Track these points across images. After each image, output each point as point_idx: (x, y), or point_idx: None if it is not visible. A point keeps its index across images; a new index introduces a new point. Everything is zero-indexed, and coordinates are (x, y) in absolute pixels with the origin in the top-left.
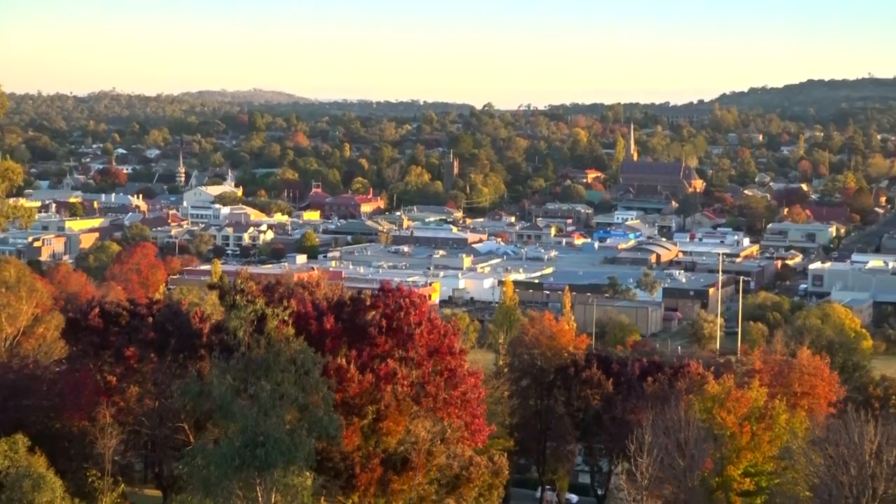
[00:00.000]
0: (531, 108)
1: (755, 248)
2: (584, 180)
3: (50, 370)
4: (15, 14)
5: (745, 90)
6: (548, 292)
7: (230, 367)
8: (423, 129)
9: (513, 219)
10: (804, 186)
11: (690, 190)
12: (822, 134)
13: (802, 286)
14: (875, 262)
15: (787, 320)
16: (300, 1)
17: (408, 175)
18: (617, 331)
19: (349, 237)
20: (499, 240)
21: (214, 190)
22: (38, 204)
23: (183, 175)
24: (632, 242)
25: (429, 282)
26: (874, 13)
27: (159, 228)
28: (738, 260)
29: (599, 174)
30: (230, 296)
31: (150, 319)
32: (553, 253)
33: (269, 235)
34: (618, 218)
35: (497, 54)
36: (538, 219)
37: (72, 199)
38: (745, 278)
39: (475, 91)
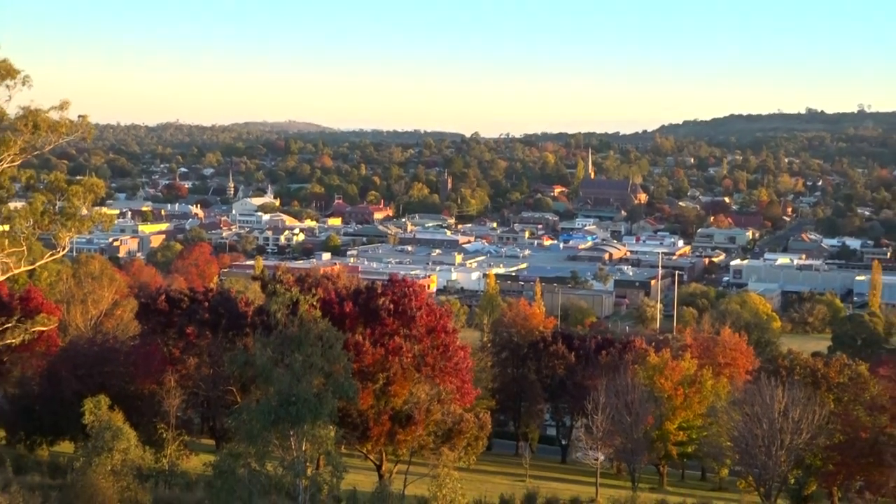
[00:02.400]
0: (510, 136)
1: (688, 248)
2: (552, 194)
3: (126, 344)
4: (98, 60)
5: (680, 122)
6: (522, 283)
7: (270, 342)
8: (424, 153)
9: (494, 224)
10: (727, 199)
11: (636, 202)
12: (741, 158)
13: (725, 278)
14: (783, 259)
15: (713, 305)
16: (326, 52)
17: (411, 189)
18: (577, 314)
19: (364, 239)
20: (483, 241)
21: (257, 201)
22: (117, 212)
23: (232, 189)
24: (589, 243)
25: (427, 274)
26: (782, 62)
27: (213, 231)
28: (674, 257)
29: (564, 189)
30: (270, 285)
31: (206, 304)
32: (526, 252)
33: (301, 237)
34: (578, 224)
35: (482, 94)
36: (515, 224)
37: (143, 208)
38: (680, 272)
39: (465, 122)
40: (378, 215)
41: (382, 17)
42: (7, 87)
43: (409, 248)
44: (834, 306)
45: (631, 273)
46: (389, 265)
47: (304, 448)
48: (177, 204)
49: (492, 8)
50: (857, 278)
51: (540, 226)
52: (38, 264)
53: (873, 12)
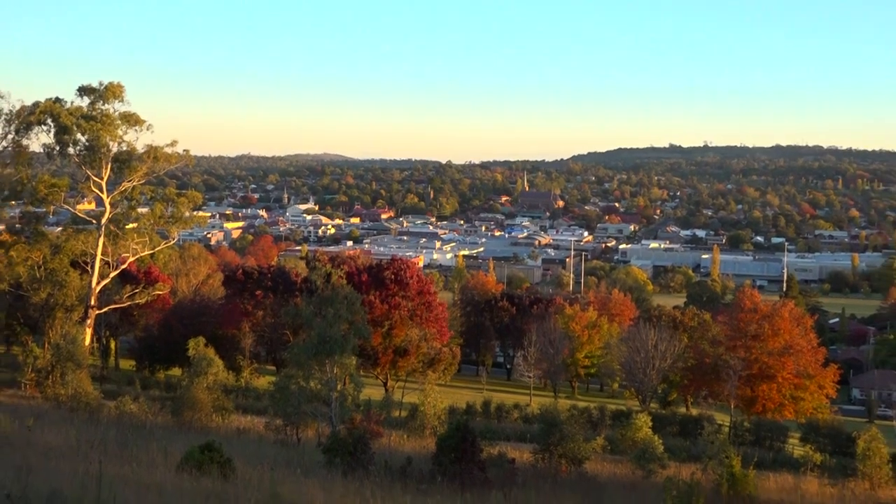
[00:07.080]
0: (472, 163)
1: (591, 237)
2: (500, 201)
3: (216, 302)
4: (196, 109)
5: (585, 153)
6: (480, 261)
7: (312, 301)
8: (414, 174)
9: (462, 222)
10: (617, 204)
11: (556, 206)
12: (626, 176)
13: (615, 257)
14: (654, 244)
15: (608, 275)
16: (349, 106)
17: (406, 199)
18: (517, 281)
19: (375, 232)
20: (454, 233)
21: (303, 207)
22: (209, 214)
23: (286, 199)
24: (525, 234)
25: (417, 255)
26: (652, 112)
27: (273, 227)
28: (582, 243)
29: (508, 198)
30: (312, 263)
31: (269, 276)
32: (483, 240)
33: (332, 231)
34: (518, 221)
35: (454, 134)
36: (475, 222)
37: (227, 212)
38: (585, 253)
39: (442, 152)
40: (384, 216)
41: (384, 80)
42: (135, 131)
43: (405, 238)
44: (688, 275)
45: (553, 254)
46: (391, 249)
47: (335, 372)
48: (249, 209)
49: (459, 75)
50: (703, 256)
51: (492, 223)
52: (156, 249)
53: (716, 76)
